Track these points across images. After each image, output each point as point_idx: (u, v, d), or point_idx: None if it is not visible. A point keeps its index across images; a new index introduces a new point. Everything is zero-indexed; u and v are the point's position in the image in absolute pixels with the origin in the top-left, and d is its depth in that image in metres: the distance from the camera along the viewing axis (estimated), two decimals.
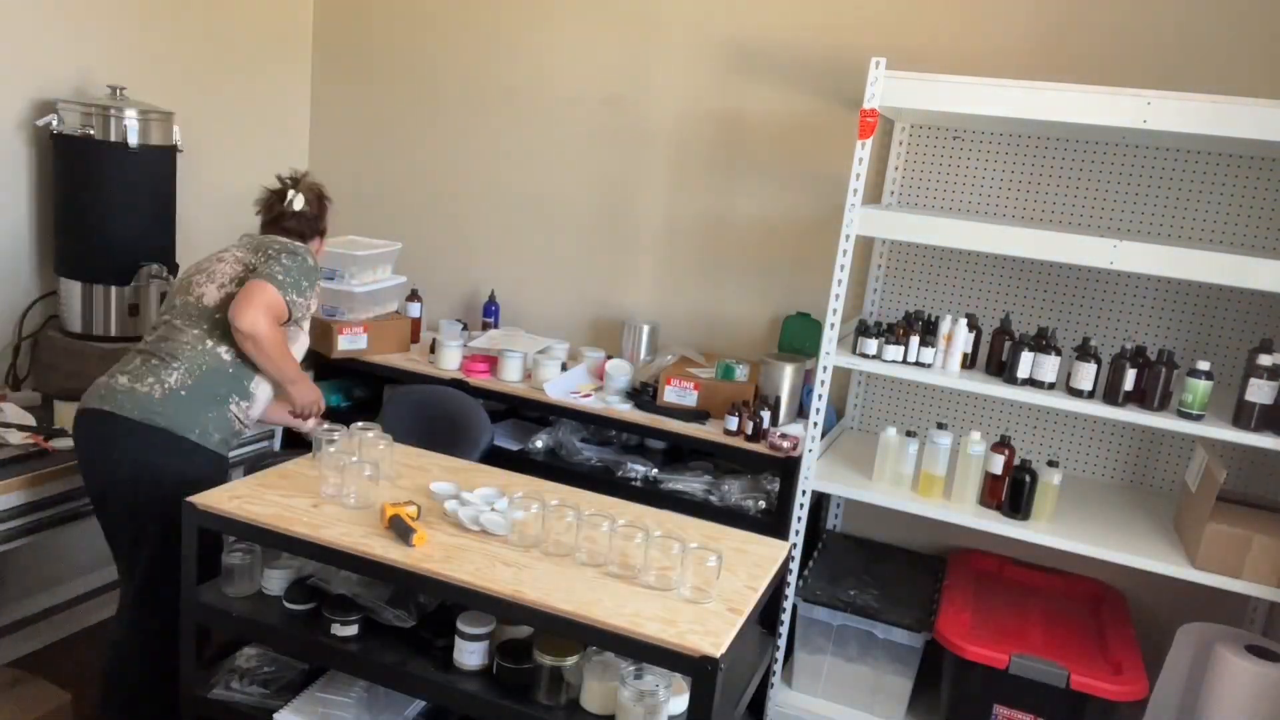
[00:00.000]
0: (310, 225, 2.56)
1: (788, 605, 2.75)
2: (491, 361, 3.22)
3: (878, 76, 2.52)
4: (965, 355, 2.65)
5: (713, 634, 1.69)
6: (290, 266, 2.34)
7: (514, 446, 3.15)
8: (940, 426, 2.70)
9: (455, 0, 3.63)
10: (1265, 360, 2.32)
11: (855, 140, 2.60)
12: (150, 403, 2.23)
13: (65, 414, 2.59)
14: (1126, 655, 2.51)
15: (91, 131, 2.75)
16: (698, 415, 2.97)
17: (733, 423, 2.87)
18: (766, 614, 2.12)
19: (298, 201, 2.50)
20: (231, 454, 2.97)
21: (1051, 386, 2.52)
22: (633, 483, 2.99)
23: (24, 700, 2.40)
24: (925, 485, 2.68)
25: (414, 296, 3.56)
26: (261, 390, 2.41)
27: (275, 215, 2.52)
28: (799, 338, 3.19)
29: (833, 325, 2.66)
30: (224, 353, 2.31)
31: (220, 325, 2.30)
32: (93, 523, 2.66)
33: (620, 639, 1.69)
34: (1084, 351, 2.49)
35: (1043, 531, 2.53)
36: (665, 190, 3.42)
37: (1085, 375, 2.48)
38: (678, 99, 3.35)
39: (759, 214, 3.29)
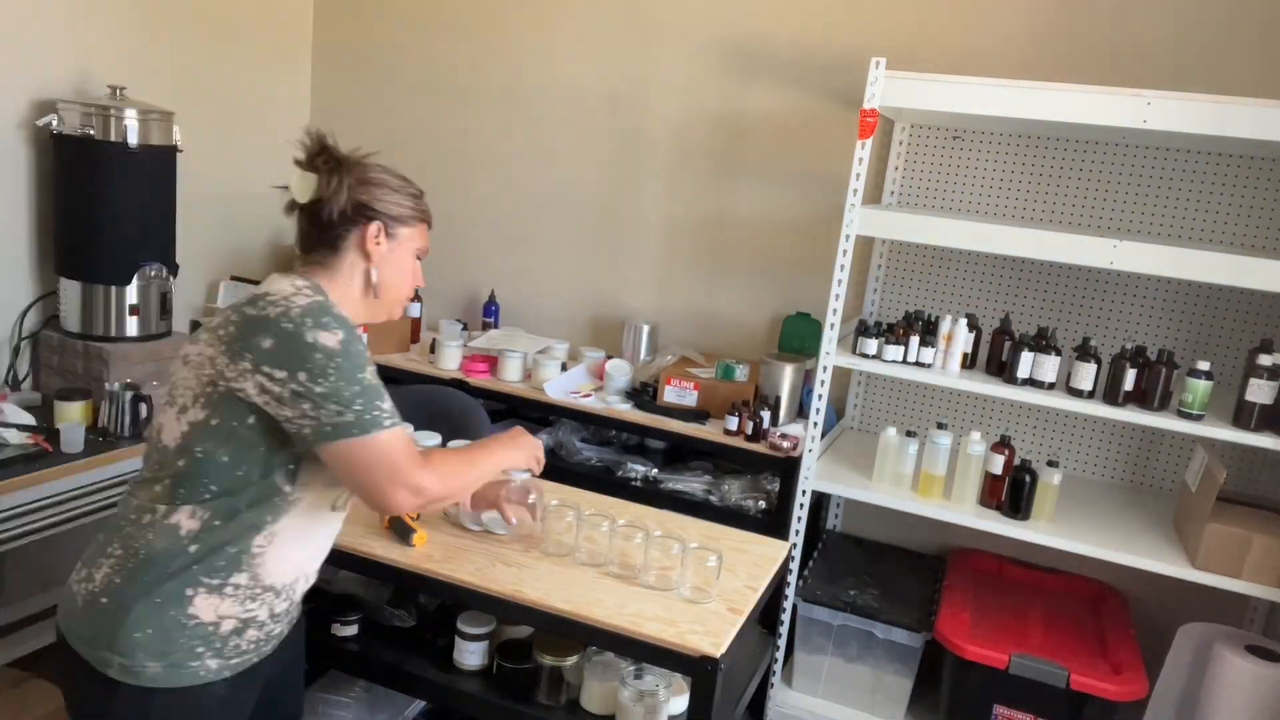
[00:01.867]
0: (345, 222, 1.53)
1: (788, 605, 2.75)
2: (491, 361, 3.22)
3: (878, 76, 2.52)
4: (965, 355, 2.65)
5: (713, 634, 1.69)
6: (334, 371, 1.35)
7: None
8: (940, 426, 2.70)
9: (455, 1, 3.63)
10: (1265, 360, 2.32)
11: (855, 140, 2.60)
12: (72, 612, 1.42)
13: (65, 414, 2.59)
14: (1126, 655, 2.51)
15: (91, 131, 2.75)
16: (698, 415, 2.97)
17: (733, 423, 2.87)
18: (766, 614, 2.12)
19: (302, 188, 1.54)
20: None
21: (1051, 386, 2.52)
22: (633, 483, 2.99)
23: (24, 700, 2.40)
24: (925, 485, 2.68)
25: (414, 296, 3.56)
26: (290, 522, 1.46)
27: (308, 226, 1.57)
28: (799, 338, 3.19)
29: (833, 325, 2.66)
30: (187, 521, 1.39)
31: (185, 480, 1.39)
32: (92, 523, 2.66)
33: (620, 639, 1.69)
34: (1084, 351, 2.49)
35: (1043, 531, 2.53)
36: (665, 190, 3.42)
37: (1085, 375, 2.48)
38: (678, 99, 3.35)
39: (759, 214, 3.29)
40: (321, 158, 1.54)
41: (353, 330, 1.40)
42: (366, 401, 1.36)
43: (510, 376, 3.18)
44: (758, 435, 2.84)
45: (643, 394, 3.08)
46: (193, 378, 1.40)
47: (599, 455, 3.10)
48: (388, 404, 1.39)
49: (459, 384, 3.14)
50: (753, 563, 2.00)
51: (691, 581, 1.83)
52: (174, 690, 1.37)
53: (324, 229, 1.53)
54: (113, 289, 2.87)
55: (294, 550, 1.46)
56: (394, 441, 1.37)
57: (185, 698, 1.38)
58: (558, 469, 3.03)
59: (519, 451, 1.75)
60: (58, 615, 1.43)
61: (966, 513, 2.61)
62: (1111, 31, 2.80)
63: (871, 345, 2.66)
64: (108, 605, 1.37)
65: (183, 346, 1.47)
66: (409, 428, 1.50)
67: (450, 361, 3.24)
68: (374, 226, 1.53)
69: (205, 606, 1.39)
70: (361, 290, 1.56)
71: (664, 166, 3.40)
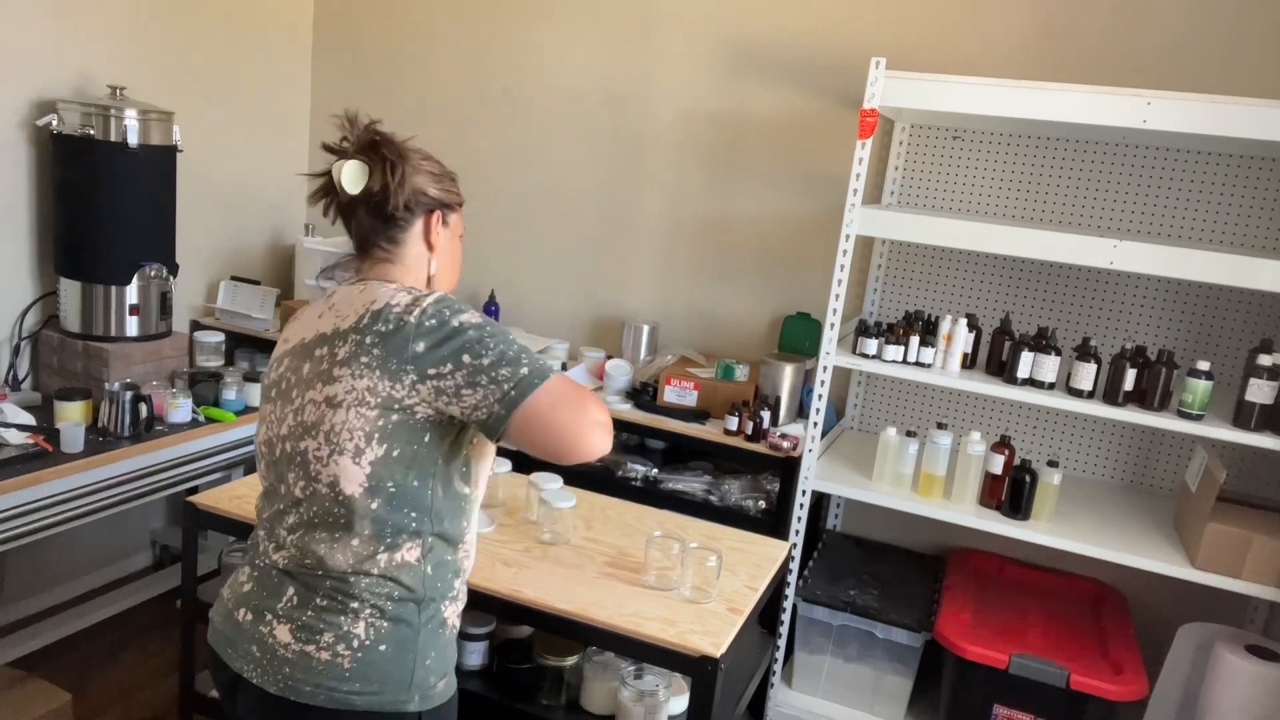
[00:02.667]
0: (407, 213, 1.46)
1: (788, 605, 2.75)
2: None
3: (878, 76, 2.52)
4: (965, 355, 2.65)
5: (713, 634, 1.69)
6: (489, 339, 1.33)
7: (514, 446, 3.15)
8: (940, 426, 2.70)
9: (455, 1, 3.63)
10: (1265, 360, 2.32)
11: (855, 140, 2.60)
12: (338, 676, 1.36)
13: (65, 414, 2.59)
14: (1126, 655, 2.51)
15: (91, 131, 2.75)
16: (698, 415, 2.97)
17: (733, 423, 2.87)
18: (766, 614, 2.12)
19: (354, 177, 1.42)
20: (229, 455, 2.99)
21: (1051, 386, 2.52)
22: (633, 483, 2.98)
23: (24, 700, 2.40)
24: (925, 485, 2.68)
25: None
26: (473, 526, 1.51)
27: (369, 219, 1.46)
28: (799, 338, 3.19)
29: (833, 325, 2.66)
30: (410, 553, 1.39)
31: (388, 518, 1.37)
32: (92, 523, 2.66)
33: (620, 639, 1.69)
34: (1084, 351, 2.49)
35: (1043, 531, 2.53)
36: (665, 190, 3.42)
37: (1085, 375, 2.48)
38: (678, 99, 3.35)
39: (759, 214, 3.29)
40: (377, 146, 1.44)
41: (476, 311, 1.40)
42: (529, 355, 1.34)
43: None
44: (758, 435, 2.84)
45: (643, 394, 3.08)
46: (355, 417, 1.33)
47: None
48: (544, 361, 1.36)
49: None
50: (753, 563, 2.00)
51: (691, 581, 1.83)
52: (451, 695, 1.46)
53: (387, 221, 1.46)
54: (113, 289, 2.88)
55: (474, 544, 1.53)
56: (566, 381, 1.35)
57: (453, 698, 1.48)
58: (558, 469, 3.03)
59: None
60: (300, 694, 1.35)
61: (966, 513, 2.61)
62: (1111, 31, 2.80)
63: (871, 345, 2.66)
64: (391, 652, 1.37)
65: (313, 390, 1.37)
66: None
67: None
68: (435, 216, 1.49)
69: (451, 614, 1.46)
70: (425, 282, 1.52)
71: (664, 166, 3.40)
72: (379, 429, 1.33)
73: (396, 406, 1.33)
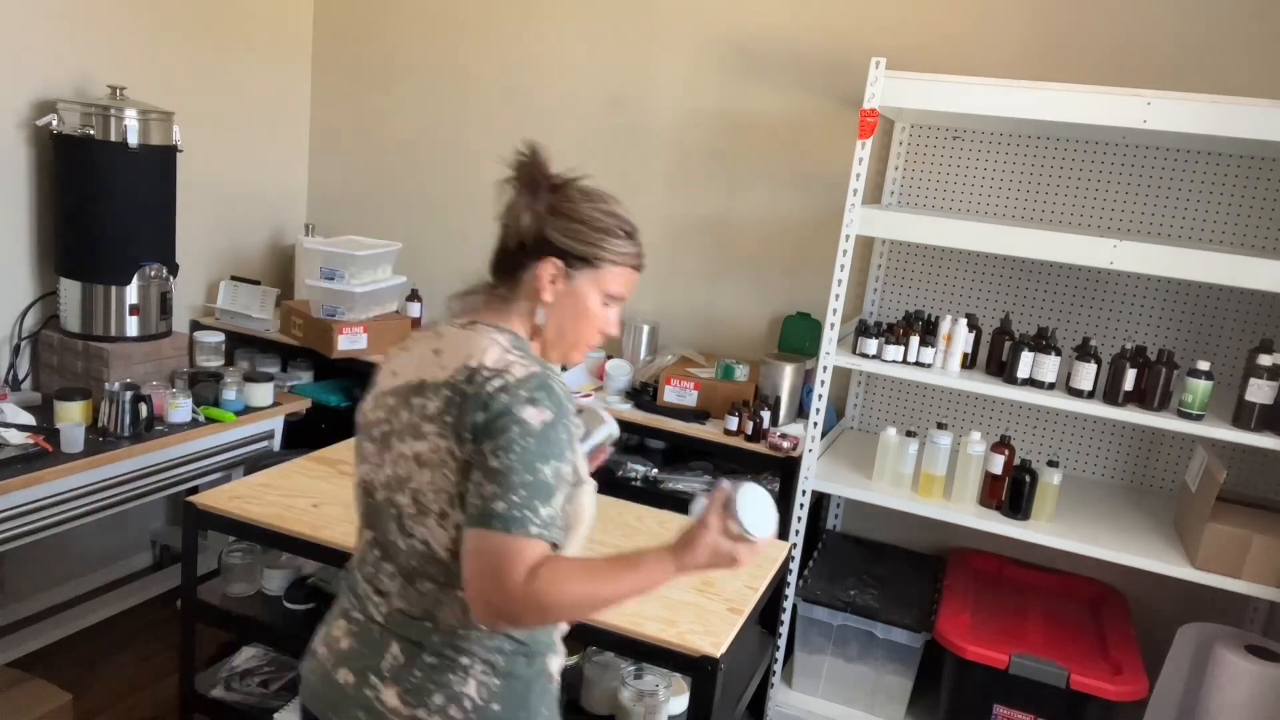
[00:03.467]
0: (525, 253, 1.38)
1: (788, 605, 2.75)
2: None
3: (878, 76, 2.52)
4: (965, 355, 2.65)
5: (713, 634, 1.69)
6: (524, 451, 1.20)
7: None
8: (940, 426, 2.70)
9: (456, 1, 3.63)
10: (1265, 360, 2.32)
11: (855, 140, 2.60)
12: None
13: (65, 414, 2.59)
14: (1126, 655, 2.51)
15: (91, 131, 2.75)
16: (698, 415, 2.97)
17: (733, 423, 2.87)
18: (766, 614, 2.12)
19: (500, 201, 1.39)
20: (229, 455, 2.99)
21: (1051, 386, 2.52)
22: (633, 483, 2.99)
23: (24, 700, 2.40)
24: (925, 485, 2.68)
25: (414, 296, 3.56)
26: None
27: (498, 247, 1.43)
28: (799, 338, 3.19)
29: (833, 325, 2.66)
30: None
31: None
32: (92, 523, 2.66)
33: (620, 639, 1.69)
34: (1084, 351, 2.49)
35: (1043, 531, 2.53)
36: (665, 190, 3.42)
37: (1085, 375, 2.48)
38: (678, 99, 3.35)
39: (759, 214, 3.29)
40: (521, 172, 1.35)
41: (566, 410, 1.25)
42: (539, 500, 1.19)
43: None
44: (758, 435, 2.84)
45: (643, 394, 3.08)
46: (441, 479, 1.26)
47: None
48: (547, 511, 1.20)
49: None
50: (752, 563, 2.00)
51: (691, 582, 1.83)
52: None
53: (508, 255, 1.39)
54: (113, 289, 2.88)
55: None
56: (523, 552, 1.17)
57: None
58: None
59: (700, 554, 1.29)
60: None
61: (966, 513, 2.61)
62: (1111, 31, 2.80)
63: (871, 345, 2.66)
64: (505, 712, 1.31)
65: (404, 444, 1.30)
66: (570, 549, 1.34)
67: None
68: (550, 265, 1.35)
69: (555, 668, 1.40)
70: (533, 331, 1.40)
71: (664, 166, 3.40)
72: (460, 493, 1.24)
73: (460, 463, 1.24)
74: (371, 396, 1.40)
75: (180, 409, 2.79)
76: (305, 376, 3.54)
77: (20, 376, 2.96)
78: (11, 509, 2.37)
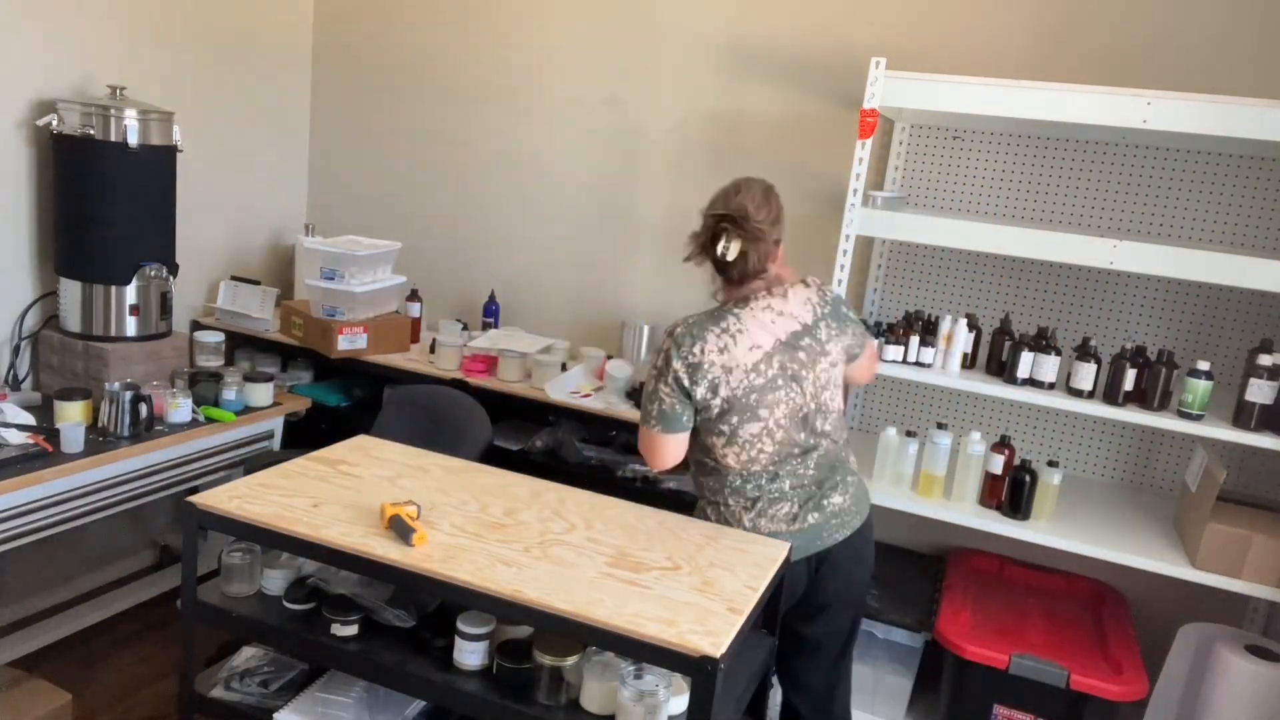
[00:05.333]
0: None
1: None
2: (491, 361, 3.22)
3: (878, 76, 2.52)
4: (965, 355, 2.65)
5: (713, 634, 1.69)
6: (649, 377, 2.14)
7: (514, 446, 3.15)
8: (940, 426, 2.70)
9: (455, 2, 3.63)
10: (1265, 360, 2.32)
11: (855, 140, 2.60)
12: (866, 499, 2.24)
13: (65, 414, 2.59)
14: (1126, 655, 2.51)
15: (91, 131, 2.75)
16: None
17: None
18: (766, 614, 2.12)
19: (731, 249, 2.06)
20: (229, 455, 2.99)
21: (1051, 386, 2.52)
22: (633, 483, 2.98)
23: (24, 700, 2.40)
24: (925, 485, 2.68)
25: (414, 296, 3.56)
26: None
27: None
28: None
29: None
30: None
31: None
32: (92, 523, 2.66)
33: (620, 639, 1.69)
34: (1084, 351, 2.49)
35: (1043, 531, 2.53)
36: (665, 189, 3.42)
37: (1085, 375, 2.48)
38: (678, 99, 3.35)
39: None
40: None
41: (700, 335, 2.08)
42: (653, 400, 2.12)
43: (510, 376, 3.18)
44: None
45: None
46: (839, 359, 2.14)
47: (599, 455, 3.10)
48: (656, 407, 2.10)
49: (459, 384, 3.14)
50: (753, 563, 2.00)
51: (691, 582, 1.83)
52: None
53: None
54: (113, 289, 2.88)
55: None
56: (644, 430, 2.17)
57: None
58: (558, 469, 3.03)
59: None
60: (860, 518, 2.16)
61: (966, 513, 2.61)
62: (1111, 31, 2.80)
63: None
64: (860, 481, 2.21)
65: (817, 367, 2.10)
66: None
67: (450, 361, 3.24)
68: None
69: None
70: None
71: (664, 166, 3.40)
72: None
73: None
74: (748, 369, 2.04)
75: (180, 409, 2.79)
76: (305, 376, 3.54)
77: (20, 376, 2.96)
78: (11, 509, 2.37)
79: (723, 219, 2.05)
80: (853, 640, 2.30)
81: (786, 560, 2.04)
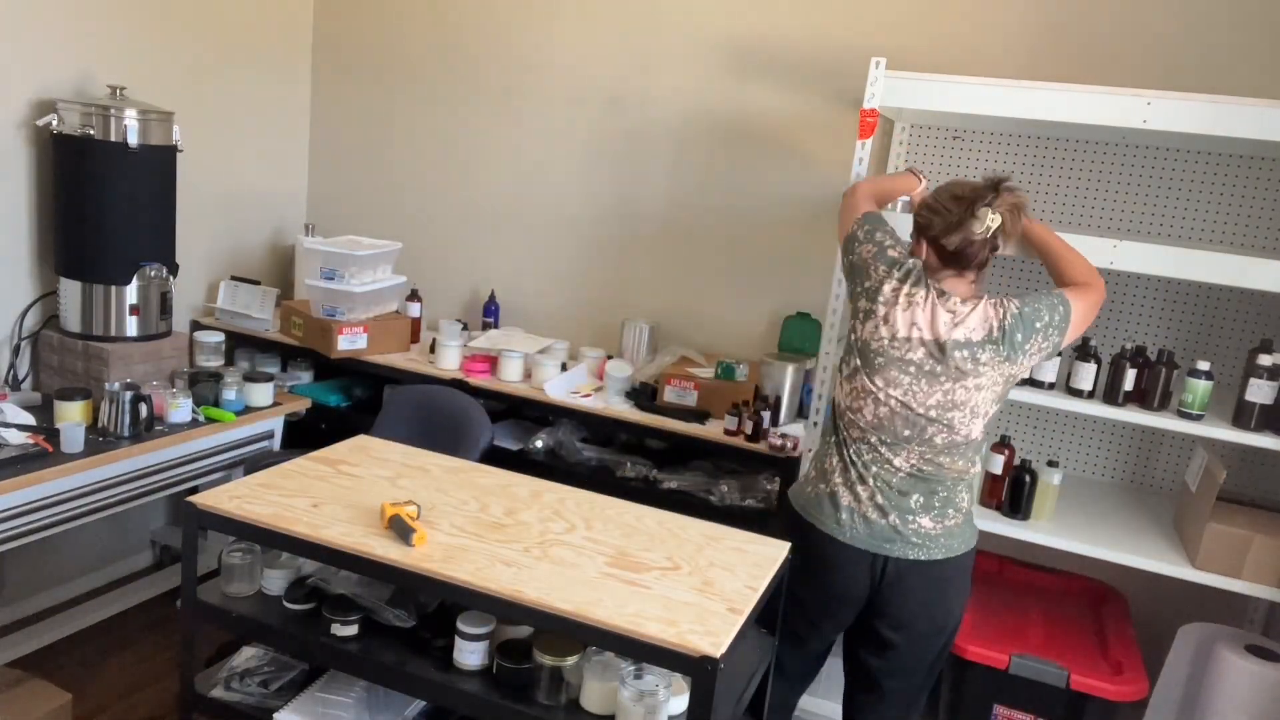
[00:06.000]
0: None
1: None
2: (491, 361, 3.22)
3: (878, 76, 2.52)
4: None
5: (713, 634, 1.69)
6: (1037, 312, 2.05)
7: (514, 446, 3.15)
8: None
9: (455, 1, 3.63)
10: (1265, 360, 2.32)
11: (855, 140, 2.60)
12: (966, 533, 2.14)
13: (65, 414, 2.59)
14: (1126, 655, 2.51)
15: (91, 131, 2.75)
16: (697, 415, 2.97)
17: (732, 423, 2.87)
18: (766, 614, 2.12)
19: (993, 222, 1.98)
20: (229, 455, 2.99)
21: (1051, 386, 2.52)
22: (633, 483, 2.99)
23: (24, 700, 2.41)
24: None
25: (414, 296, 3.56)
26: None
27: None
28: (799, 338, 3.19)
29: (833, 325, 2.66)
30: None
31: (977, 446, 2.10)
32: (92, 523, 2.66)
33: (620, 639, 1.69)
34: (1084, 351, 2.49)
35: (1043, 531, 2.53)
36: (665, 190, 3.42)
37: (1085, 375, 2.48)
38: (678, 99, 3.35)
39: (759, 214, 3.29)
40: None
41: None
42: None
43: (510, 376, 3.18)
44: (757, 435, 2.84)
45: (643, 394, 3.08)
46: (989, 388, 2.04)
47: (599, 455, 3.10)
48: None
49: (459, 384, 3.14)
50: (752, 563, 2.00)
51: (691, 582, 1.83)
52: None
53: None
54: (113, 289, 2.88)
55: None
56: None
57: None
58: (558, 469, 3.04)
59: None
60: (944, 551, 2.07)
61: None
62: (1111, 31, 2.80)
63: None
64: (967, 521, 2.12)
65: (972, 372, 2.02)
66: None
67: (450, 361, 3.24)
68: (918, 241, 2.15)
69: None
70: None
71: (664, 166, 3.41)
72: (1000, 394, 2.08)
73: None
74: (894, 332, 2.02)
75: (180, 409, 2.79)
76: (305, 376, 3.54)
77: (20, 376, 2.96)
78: (11, 509, 2.37)
79: (1003, 183, 1.98)
80: (924, 692, 2.21)
81: (784, 561, 2.04)
